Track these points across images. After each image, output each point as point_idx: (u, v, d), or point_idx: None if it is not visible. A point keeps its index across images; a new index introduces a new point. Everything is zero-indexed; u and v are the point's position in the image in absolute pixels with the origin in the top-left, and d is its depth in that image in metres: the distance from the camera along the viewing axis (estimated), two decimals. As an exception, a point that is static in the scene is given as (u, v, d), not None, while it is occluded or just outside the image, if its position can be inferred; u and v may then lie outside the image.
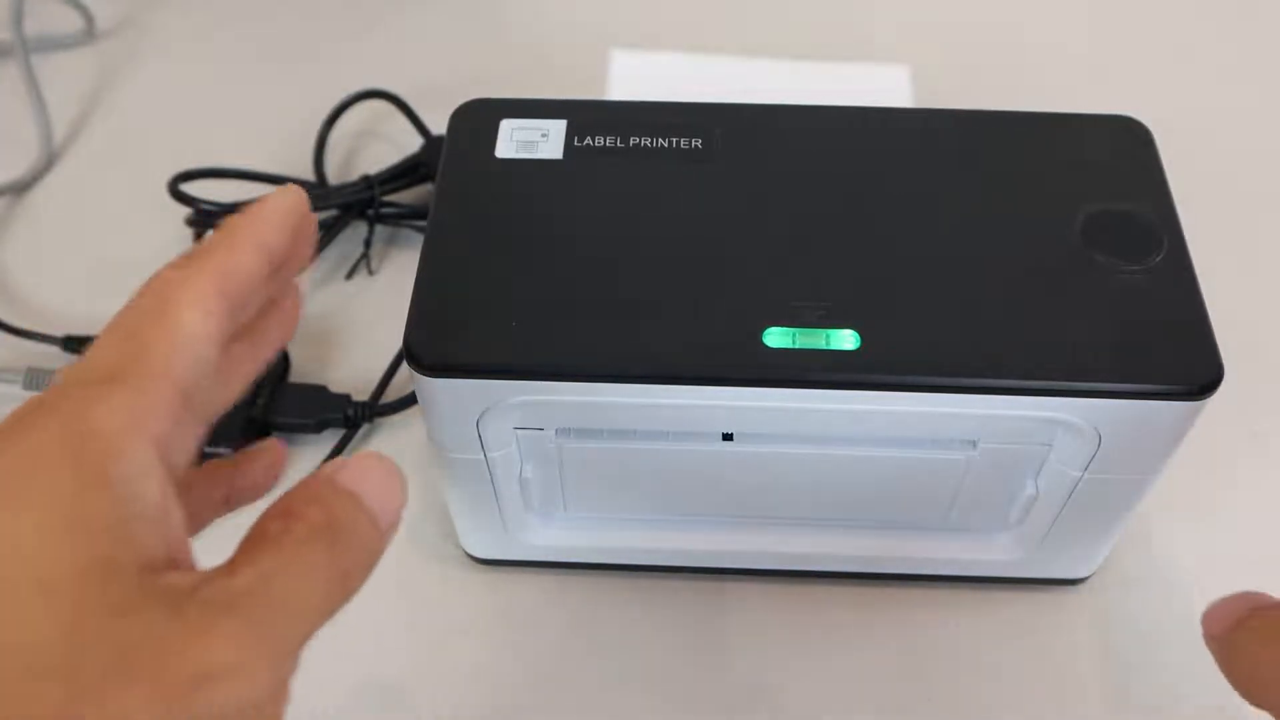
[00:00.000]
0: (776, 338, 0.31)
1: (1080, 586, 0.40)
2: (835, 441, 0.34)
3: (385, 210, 0.51)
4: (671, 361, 0.31)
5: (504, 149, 0.35)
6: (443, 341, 0.31)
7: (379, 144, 0.56)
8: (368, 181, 0.51)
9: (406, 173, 0.52)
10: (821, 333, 0.31)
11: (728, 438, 0.35)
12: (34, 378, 0.45)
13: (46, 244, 0.53)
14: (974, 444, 0.34)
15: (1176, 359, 0.30)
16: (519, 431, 0.34)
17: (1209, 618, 0.27)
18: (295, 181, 0.52)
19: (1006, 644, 0.39)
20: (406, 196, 0.52)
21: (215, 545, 0.22)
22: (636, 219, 0.34)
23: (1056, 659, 0.39)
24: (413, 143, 0.54)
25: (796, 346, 0.31)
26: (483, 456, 0.34)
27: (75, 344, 0.46)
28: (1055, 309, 0.32)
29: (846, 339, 0.31)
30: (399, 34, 0.62)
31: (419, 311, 0.32)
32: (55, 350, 0.47)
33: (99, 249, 0.52)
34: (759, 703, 0.38)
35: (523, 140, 0.35)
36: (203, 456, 0.43)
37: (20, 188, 0.55)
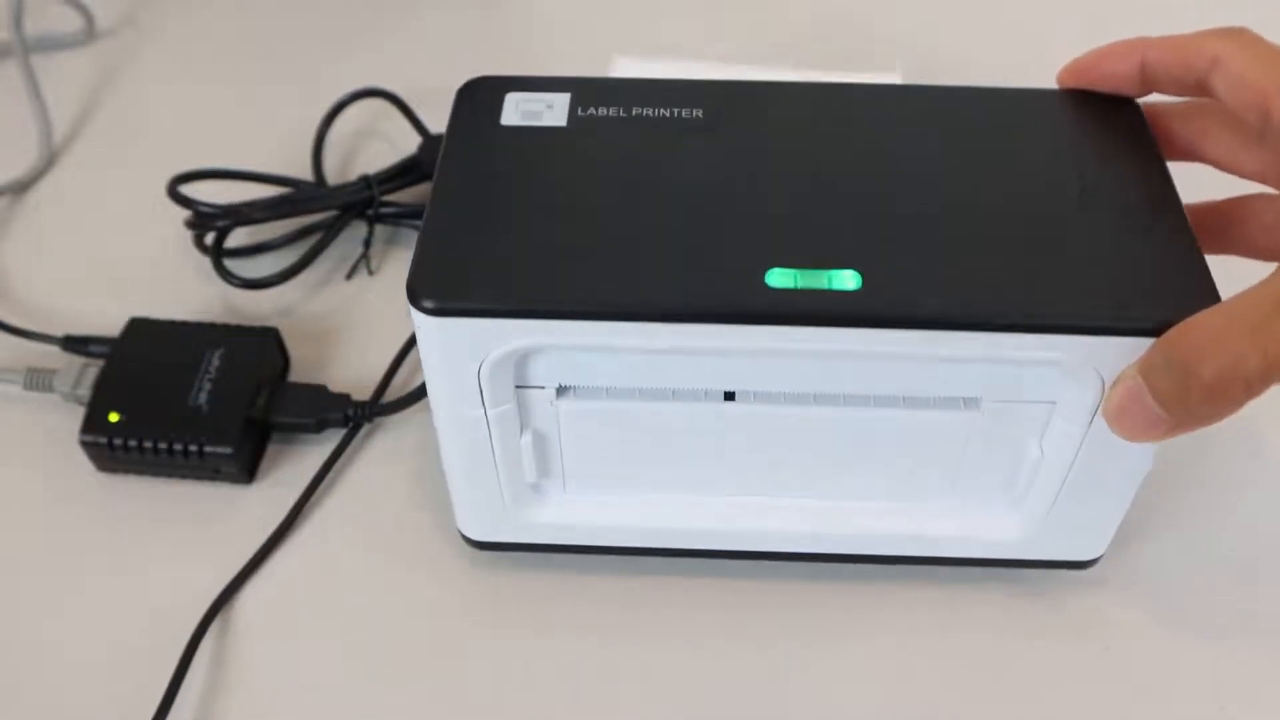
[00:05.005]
0: (778, 278, 0.32)
1: (1082, 585, 0.41)
2: (836, 400, 0.35)
3: (384, 210, 0.51)
4: (673, 299, 0.31)
5: (509, 118, 0.37)
6: (446, 282, 0.32)
7: (378, 144, 0.57)
8: (367, 181, 0.51)
9: (405, 172, 0.52)
10: (823, 274, 0.32)
11: (729, 397, 0.35)
12: (34, 378, 0.45)
13: (46, 244, 0.53)
14: (977, 402, 0.35)
15: (1175, 301, 0.31)
16: (520, 391, 0.35)
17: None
18: (295, 181, 0.52)
19: (1008, 644, 0.40)
20: (406, 196, 0.52)
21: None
22: (640, 175, 0.35)
23: (1058, 660, 0.39)
24: (412, 142, 0.54)
25: (799, 287, 0.31)
26: (483, 413, 0.35)
27: (75, 344, 0.46)
28: (1054, 255, 0.33)
29: (848, 279, 0.32)
30: (399, 34, 0.62)
31: (423, 256, 0.33)
32: (55, 350, 0.47)
33: (99, 249, 0.52)
34: (761, 701, 0.38)
35: (528, 110, 0.37)
36: (206, 455, 0.43)
37: (20, 188, 0.55)
